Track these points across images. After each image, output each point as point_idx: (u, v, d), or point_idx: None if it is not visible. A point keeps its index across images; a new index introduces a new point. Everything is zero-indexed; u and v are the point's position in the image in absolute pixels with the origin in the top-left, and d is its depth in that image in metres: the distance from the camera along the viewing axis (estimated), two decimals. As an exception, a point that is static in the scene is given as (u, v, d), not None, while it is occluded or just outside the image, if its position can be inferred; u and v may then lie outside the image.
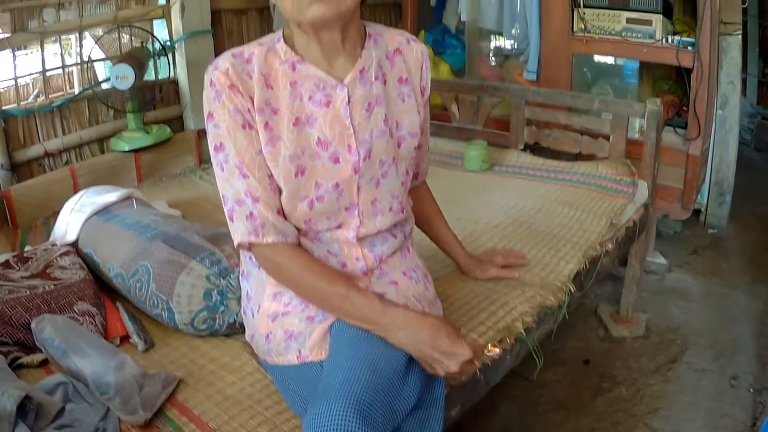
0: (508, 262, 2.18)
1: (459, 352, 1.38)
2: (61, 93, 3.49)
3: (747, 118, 6.11)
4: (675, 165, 3.52)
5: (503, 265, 2.16)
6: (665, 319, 3.29)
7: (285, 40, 1.49)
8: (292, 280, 1.50)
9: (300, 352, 1.51)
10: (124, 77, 3.18)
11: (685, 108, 3.70)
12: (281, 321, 1.55)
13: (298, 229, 1.53)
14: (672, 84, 4.03)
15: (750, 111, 6.22)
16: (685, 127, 3.61)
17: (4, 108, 3.12)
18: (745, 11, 3.95)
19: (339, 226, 1.55)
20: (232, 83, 1.41)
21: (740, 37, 3.94)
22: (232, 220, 1.48)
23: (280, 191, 1.48)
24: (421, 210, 1.91)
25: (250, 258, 1.60)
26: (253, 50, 1.46)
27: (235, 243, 1.49)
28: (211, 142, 1.46)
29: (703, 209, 4.30)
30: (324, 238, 1.56)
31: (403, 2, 4.60)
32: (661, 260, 3.74)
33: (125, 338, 1.87)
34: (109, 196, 2.40)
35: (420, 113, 1.61)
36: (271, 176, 1.46)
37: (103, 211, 2.31)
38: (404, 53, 1.59)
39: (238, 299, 1.79)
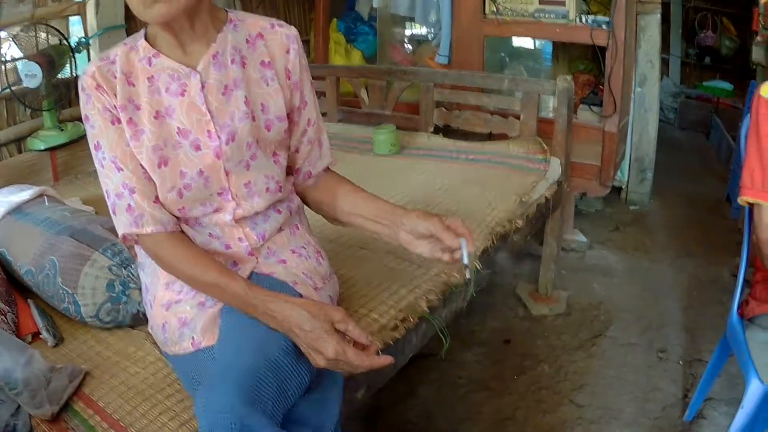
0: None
1: (322, 348, 1.34)
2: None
3: (671, 98, 6.25)
4: (591, 143, 3.56)
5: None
6: (587, 296, 3.32)
7: (147, 37, 1.51)
8: (173, 271, 1.52)
9: (193, 338, 1.52)
10: (33, 75, 3.14)
11: (601, 86, 3.75)
12: (174, 309, 1.56)
13: (178, 218, 1.54)
14: (588, 63, 4.10)
15: (674, 91, 6.35)
16: (601, 105, 3.66)
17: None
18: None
19: (216, 211, 1.56)
20: (98, 84, 1.45)
21: (659, 16, 4.02)
22: (114, 213, 1.50)
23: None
24: (341, 199, 1.72)
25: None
26: (117, 51, 1.50)
27: (120, 236, 1.52)
28: (90, 142, 1.50)
29: (624, 186, 4.38)
30: (204, 222, 1.57)
31: (315, -10, 4.62)
32: (581, 238, 3.79)
33: (37, 335, 1.86)
34: (22, 194, 2.37)
35: (286, 96, 1.60)
36: (144, 166, 1.48)
37: (16, 210, 2.27)
38: (266, 38, 1.58)
39: (140, 289, 1.79)
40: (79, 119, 3.42)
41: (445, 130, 3.40)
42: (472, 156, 3.08)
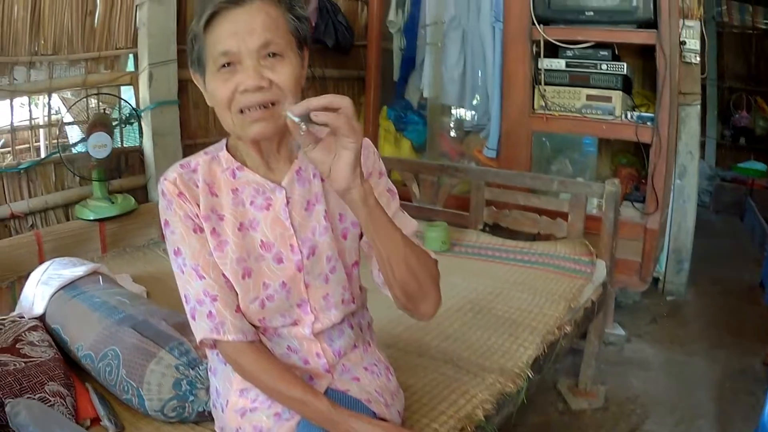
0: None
1: None
2: (26, 145, 3.48)
3: (706, 181, 6.23)
4: (633, 239, 3.58)
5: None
6: (624, 390, 3.32)
7: (228, 148, 1.55)
8: (255, 381, 1.53)
9: None
10: (102, 146, 3.17)
11: (643, 181, 3.77)
12: (249, 417, 1.57)
13: (256, 327, 1.56)
14: (630, 157, 4.12)
15: (709, 173, 6.33)
16: (643, 201, 3.69)
17: (-29, 167, 3.10)
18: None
19: (294, 323, 1.58)
20: (180, 191, 1.48)
21: (699, 106, 4.04)
22: (194, 318, 1.51)
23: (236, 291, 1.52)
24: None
25: (217, 354, 1.62)
26: (198, 160, 1.53)
27: (198, 340, 1.53)
28: (170, 247, 1.52)
29: (661, 277, 4.37)
30: (283, 333, 1.59)
31: (366, 77, 4.64)
32: (620, 331, 3.79)
33: (95, 420, 1.87)
34: (75, 270, 2.39)
35: None
36: (226, 276, 1.50)
37: (70, 286, 2.30)
38: None
39: (207, 389, 1.80)
40: (129, 191, 3.53)
41: (493, 227, 3.44)
42: (521, 256, 3.11)
